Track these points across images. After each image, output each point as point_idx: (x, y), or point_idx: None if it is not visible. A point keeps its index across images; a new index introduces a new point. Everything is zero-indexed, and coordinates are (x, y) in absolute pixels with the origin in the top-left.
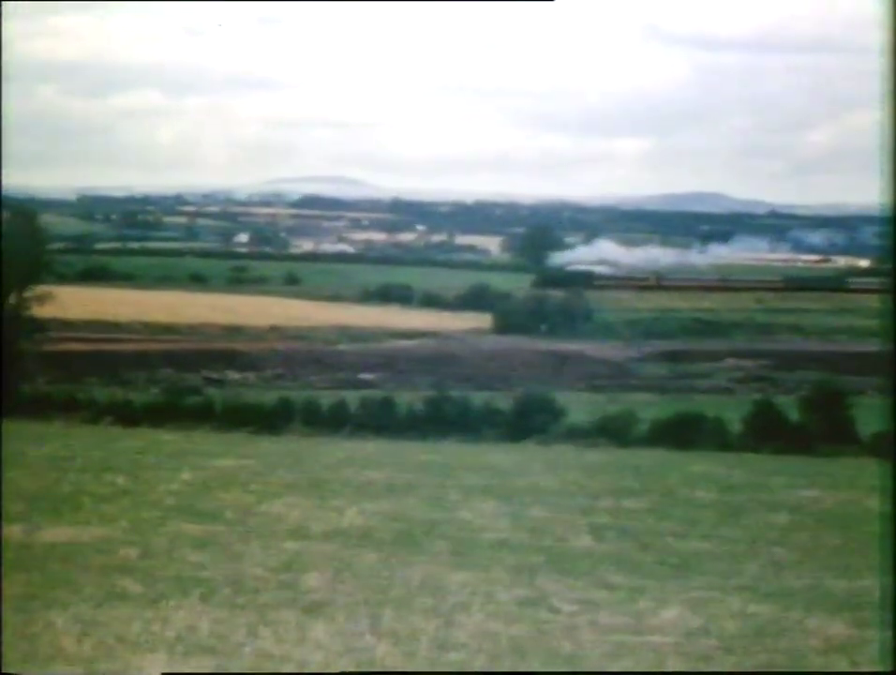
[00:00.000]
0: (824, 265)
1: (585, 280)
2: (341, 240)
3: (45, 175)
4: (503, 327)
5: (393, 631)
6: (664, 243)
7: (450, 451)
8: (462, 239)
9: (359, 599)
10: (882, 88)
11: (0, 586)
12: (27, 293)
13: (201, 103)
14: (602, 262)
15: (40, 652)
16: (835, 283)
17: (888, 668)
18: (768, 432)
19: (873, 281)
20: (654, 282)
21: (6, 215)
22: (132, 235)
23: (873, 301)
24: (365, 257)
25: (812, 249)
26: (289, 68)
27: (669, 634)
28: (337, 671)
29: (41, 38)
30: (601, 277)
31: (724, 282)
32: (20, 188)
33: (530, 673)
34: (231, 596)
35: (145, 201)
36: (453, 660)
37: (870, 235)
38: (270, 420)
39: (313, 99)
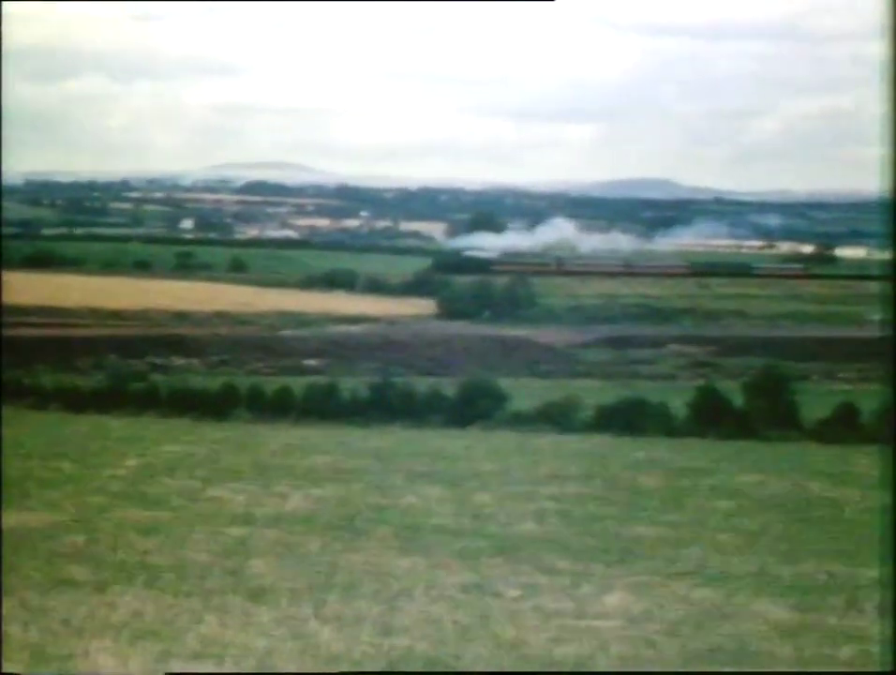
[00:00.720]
0: (768, 252)
1: (482, 266)
2: (286, 226)
3: None
4: (447, 313)
5: (337, 616)
6: (609, 228)
7: (395, 437)
8: (407, 225)
9: (303, 584)
10: (827, 74)
11: (0, 582)
12: None
13: (150, 89)
14: (549, 247)
15: None
16: (768, 269)
17: (888, 668)
18: (712, 418)
19: (817, 267)
20: (555, 268)
21: None
22: (79, 221)
23: (817, 287)
24: (310, 243)
25: (757, 235)
26: (237, 54)
27: (613, 618)
28: (337, 671)
29: None
30: (498, 262)
31: (629, 268)
32: None
33: (532, 673)
34: (176, 582)
35: (91, 186)
36: (396, 645)
37: (816, 222)
38: (215, 406)
39: (261, 85)
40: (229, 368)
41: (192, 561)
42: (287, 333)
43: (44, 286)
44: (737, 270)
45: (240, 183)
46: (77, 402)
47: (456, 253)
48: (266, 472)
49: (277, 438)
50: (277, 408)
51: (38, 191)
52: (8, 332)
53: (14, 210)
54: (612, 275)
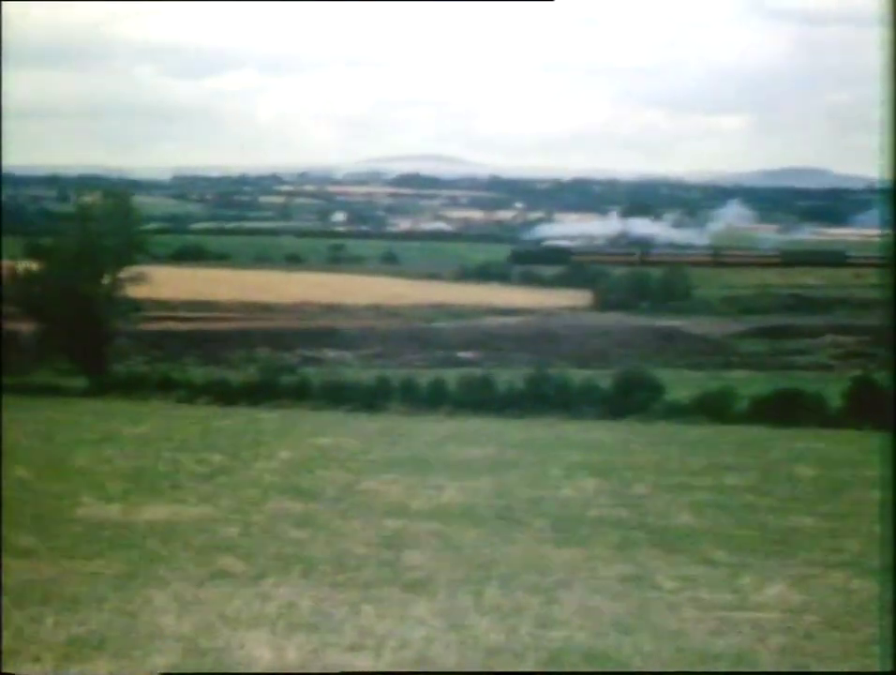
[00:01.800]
0: None
1: (562, 255)
2: (439, 218)
3: (140, 156)
4: (603, 304)
5: (496, 607)
6: (763, 218)
7: (550, 429)
8: (561, 217)
9: (461, 576)
10: None
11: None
12: (121, 274)
13: (300, 83)
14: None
15: (140, 630)
16: None
17: (888, 668)
18: (868, 408)
19: None
20: (637, 259)
21: (99, 196)
22: (228, 215)
23: None
24: (463, 235)
25: None
26: (390, 47)
27: (772, 610)
28: (337, 672)
29: (138, 19)
30: (578, 251)
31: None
32: (114, 169)
33: (527, 673)
34: (332, 574)
35: (241, 181)
36: (555, 636)
37: None
38: (368, 399)
39: (414, 77)
40: (382, 361)
41: (348, 552)
42: (441, 325)
43: (193, 280)
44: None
45: (392, 175)
46: (227, 395)
47: (536, 243)
48: (421, 464)
49: (432, 430)
50: (431, 400)
51: (186, 186)
52: (158, 326)
53: (162, 205)
54: (766, 265)
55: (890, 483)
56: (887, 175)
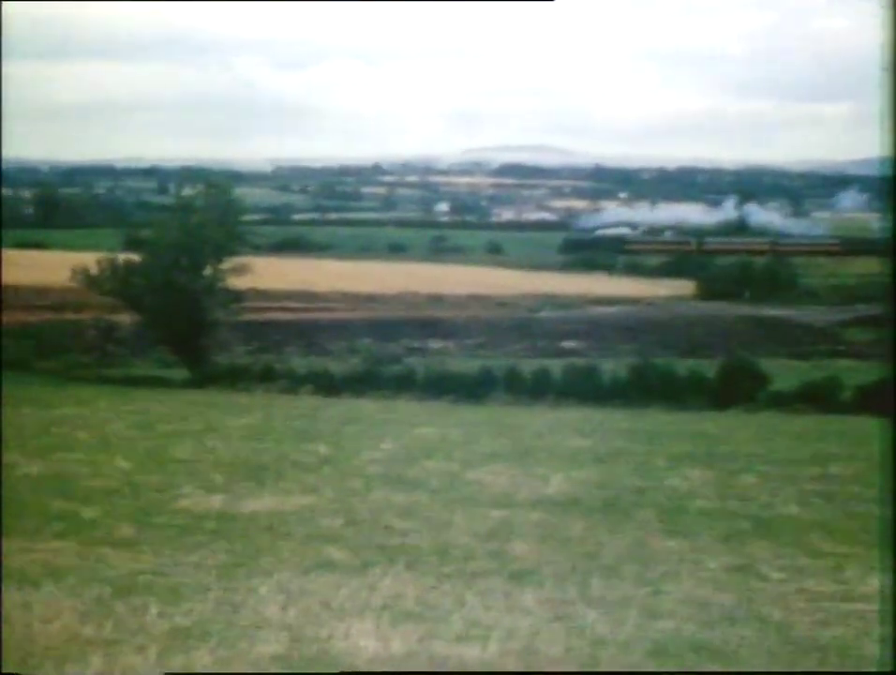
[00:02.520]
0: None
1: (615, 243)
2: (542, 208)
3: (242, 148)
4: (706, 294)
5: (602, 598)
6: (865, 207)
7: (655, 419)
8: (665, 206)
9: (567, 567)
10: None
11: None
12: (223, 265)
13: (403, 73)
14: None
15: (244, 620)
16: None
17: (888, 668)
18: None
19: None
20: (693, 247)
21: (201, 187)
22: (330, 206)
23: None
24: (567, 224)
25: None
26: (492, 37)
27: (877, 601)
28: (338, 671)
29: (241, 12)
30: (632, 240)
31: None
32: (215, 161)
33: (534, 673)
34: (437, 564)
35: (343, 171)
36: (662, 627)
37: None
38: (472, 388)
39: (518, 67)
40: (486, 351)
41: (453, 543)
42: (545, 315)
43: (295, 271)
44: None
45: (496, 165)
46: (330, 386)
47: (589, 231)
48: (526, 454)
49: (536, 420)
50: (535, 390)
51: (288, 177)
52: (260, 317)
53: (263, 196)
54: (871, 253)
55: None
56: None
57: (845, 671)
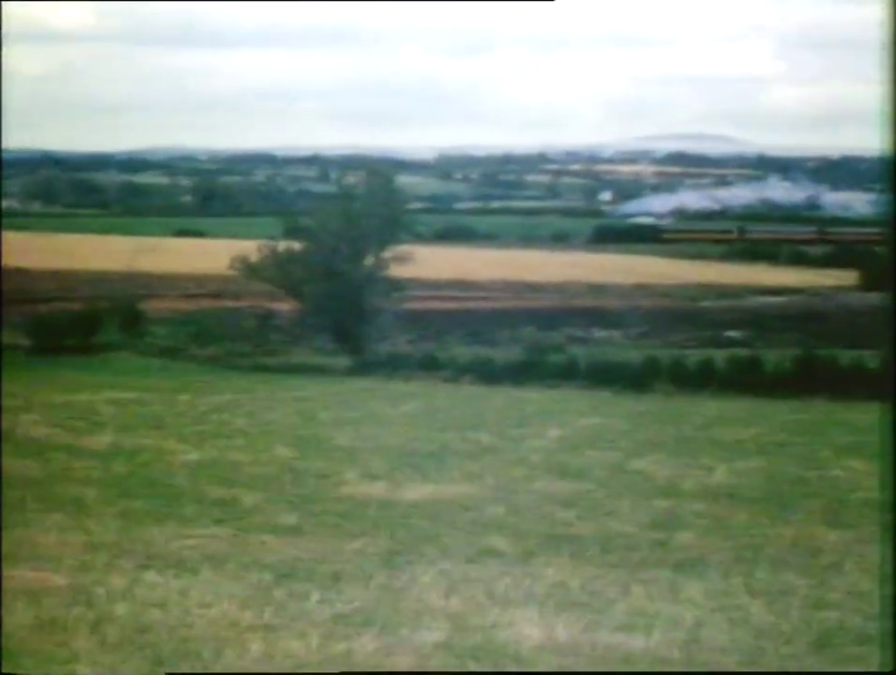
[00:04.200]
0: None
1: (648, 232)
2: (705, 197)
3: (405, 136)
4: (870, 284)
5: (766, 589)
6: None
7: (819, 409)
8: (830, 195)
9: (731, 557)
10: None
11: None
12: (384, 253)
13: (569, 61)
14: None
15: (406, 608)
16: None
17: (888, 668)
18: None
19: None
20: (736, 236)
21: (362, 175)
22: (493, 195)
23: None
24: (729, 213)
25: None
26: (659, 25)
27: None
28: (338, 671)
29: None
30: (666, 229)
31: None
32: (377, 149)
33: (540, 673)
34: (601, 554)
35: (506, 160)
36: (827, 618)
37: None
38: (635, 378)
39: (683, 55)
40: (649, 341)
41: (617, 532)
42: (707, 304)
43: (458, 260)
44: None
45: (660, 154)
46: (492, 375)
47: (621, 219)
48: (690, 444)
49: (699, 411)
50: (699, 380)
51: (451, 166)
52: (421, 305)
53: (426, 185)
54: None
55: None
56: None
57: (845, 671)
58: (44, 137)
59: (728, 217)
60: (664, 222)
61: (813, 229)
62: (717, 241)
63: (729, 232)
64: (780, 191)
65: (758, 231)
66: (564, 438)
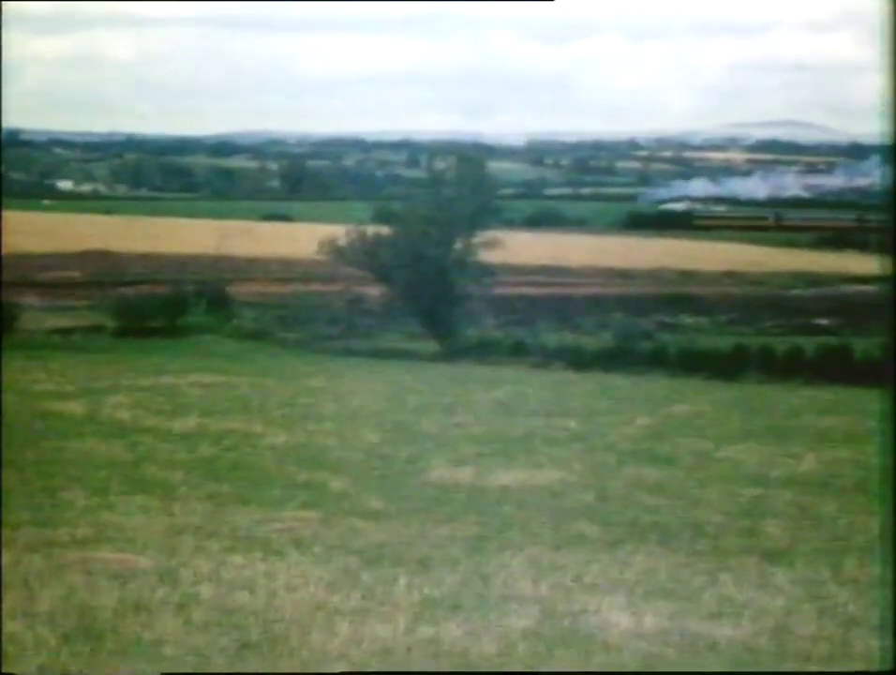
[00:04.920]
0: None
1: (680, 219)
2: (796, 184)
3: (496, 122)
4: None
5: (854, 579)
6: None
7: None
8: None
9: (819, 546)
10: None
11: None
12: (474, 239)
13: (663, 49)
14: None
15: (494, 593)
16: None
17: (888, 668)
18: None
19: None
20: (772, 222)
21: (453, 161)
22: (584, 181)
23: None
24: (821, 201)
25: None
26: (752, 12)
27: None
28: (338, 672)
29: None
30: (699, 215)
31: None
32: (467, 134)
33: (549, 673)
34: (689, 542)
35: (598, 146)
36: None
37: None
38: (725, 366)
39: (776, 43)
40: (739, 328)
41: (706, 520)
42: (798, 292)
43: (547, 245)
44: None
45: (750, 141)
46: (581, 361)
47: (653, 205)
48: (778, 432)
49: (788, 399)
50: (788, 368)
51: (542, 152)
52: (510, 291)
53: (516, 171)
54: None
55: None
56: None
57: (845, 671)
58: (133, 121)
59: (822, 204)
60: (762, 210)
61: (852, 217)
62: (751, 227)
63: (765, 218)
64: (868, 179)
65: (795, 218)
66: (653, 425)
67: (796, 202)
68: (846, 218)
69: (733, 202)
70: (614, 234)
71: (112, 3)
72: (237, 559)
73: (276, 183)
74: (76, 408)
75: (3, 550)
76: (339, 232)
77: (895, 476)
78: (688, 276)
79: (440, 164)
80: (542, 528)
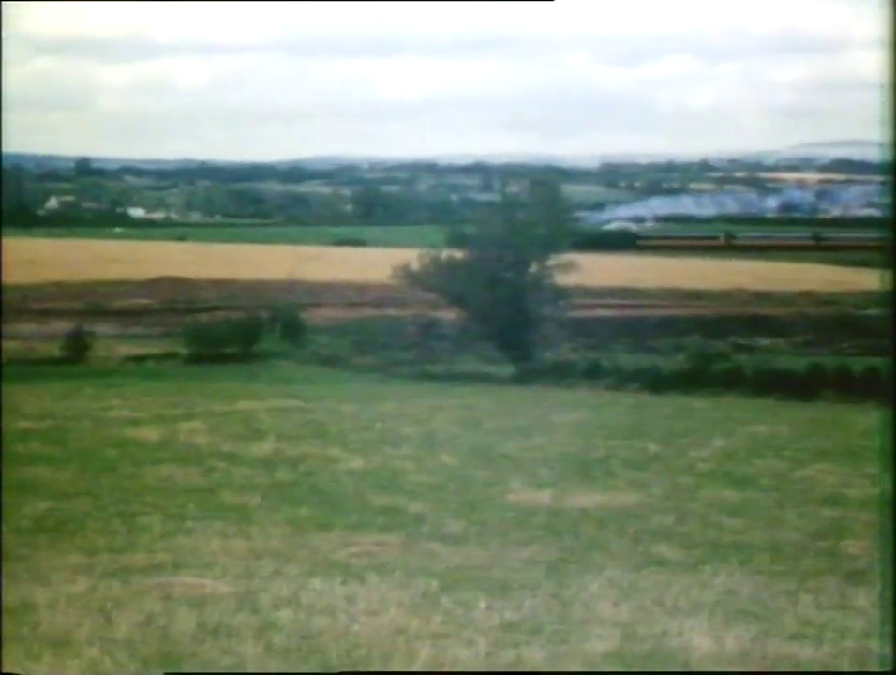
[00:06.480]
0: None
1: (626, 240)
2: (871, 204)
3: (567, 144)
4: None
5: None
6: None
7: None
8: None
9: None
10: None
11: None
12: (549, 261)
13: (736, 69)
14: None
15: (575, 616)
16: None
17: (888, 668)
18: None
19: None
20: (723, 242)
21: (526, 184)
22: (656, 202)
23: None
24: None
25: None
26: (830, 30)
27: None
28: (338, 671)
29: (580, 8)
30: (644, 236)
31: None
32: (539, 157)
33: (536, 673)
34: (769, 562)
35: (669, 167)
36: None
37: None
38: (801, 386)
39: (851, 62)
40: (814, 348)
41: (785, 541)
42: (873, 312)
43: (622, 267)
44: None
45: (825, 161)
46: (657, 383)
47: (598, 226)
48: (855, 453)
49: (865, 418)
50: (864, 388)
51: (615, 174)
52: (585, 313)
53: (590, 193)
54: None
55: None
56: None
57: (846, 671)
58: (205, 147)
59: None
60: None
61: (807, 235)
62: (705, 247)
63: (715, 238)
64: None
65: (746, 237)
66: (730, 446)
67: (866, 221)
68: (801, 237)
69: (806, 222)
70: (687, 256)
71: (184, 30)
72: (316, 583)
73: (348, 208)
74: (151, 434)
75: (80, 577)
76: (413, 256)
77: None
78: (762, 296)
79: (513, 187)
80: (621, 550)
